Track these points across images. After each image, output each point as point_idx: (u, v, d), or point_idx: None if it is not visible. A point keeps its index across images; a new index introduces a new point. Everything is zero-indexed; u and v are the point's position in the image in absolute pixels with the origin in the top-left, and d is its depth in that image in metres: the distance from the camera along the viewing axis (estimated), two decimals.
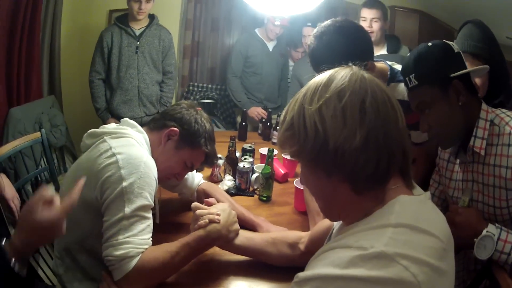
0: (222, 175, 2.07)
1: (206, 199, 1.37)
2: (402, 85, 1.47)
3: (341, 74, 0.79)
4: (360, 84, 0.77)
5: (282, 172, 2.15)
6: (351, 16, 3.62)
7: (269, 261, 1.35)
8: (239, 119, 3.65)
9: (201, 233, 1.23)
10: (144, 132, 1.39)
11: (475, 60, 1.56)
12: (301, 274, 0.73)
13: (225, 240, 1.29)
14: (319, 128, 0.75)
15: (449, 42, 1.33)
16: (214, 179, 2.03)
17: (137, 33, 3.02)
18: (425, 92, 1.28)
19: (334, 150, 0.73)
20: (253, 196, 1.96)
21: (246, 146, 2.17)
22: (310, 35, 3.31)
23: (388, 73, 1.57)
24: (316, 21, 3.32)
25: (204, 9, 4.14)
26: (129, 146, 1.26)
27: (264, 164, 1.99)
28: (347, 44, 1.36)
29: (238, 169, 1.94)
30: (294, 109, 0.81)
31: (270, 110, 3.20)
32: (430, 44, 1.31)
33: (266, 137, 2.96)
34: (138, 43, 3.00)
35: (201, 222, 1.24)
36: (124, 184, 1.15)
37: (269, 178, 1.88)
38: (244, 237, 1.36)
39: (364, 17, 2.83)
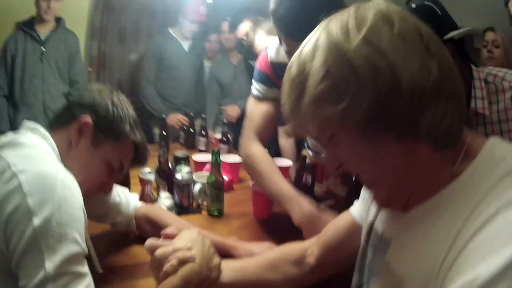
0: (155, 193, 1.64)
1: (165, 231, 0.93)
2: None
3: (364, 4, 0.60)
4: (399, 9, 0.59)
5: (226, 179, 1.78)
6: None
7: None
8: (156, 131, 3.30)
9: (173, 283, 0.81)
10: (49, 136, 0.95)
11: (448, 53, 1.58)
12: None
13: (209, 282, 0.90)
14: (379, 63, 0.53)
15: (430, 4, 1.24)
16: (147, 199, 1.59)
17: (43, 37, 2.73)
18: None
19: (411, 90, 0.53)
20: (200, 213, 1.58)
21: (179, 153, 1.77)
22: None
23: None
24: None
25: (111, 17, 3.86)
26: (35, 159, 0.84)
27: (207, 172, 1.65)
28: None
29: (175, 182, 1.54)
30: (316, 55, 0.58)
31: (192, 114, 2.85)
32: (414, 6, 1.21)
33: (190, 145, 2.63)
34: (43, 49, 2.70)
35: (168, 267, 0.82)
36: (36, 222, 0.74)
37: (218, 188, 1.51)
38: (232, 270, 0.97)
39: None
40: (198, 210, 1.58)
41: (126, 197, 1.28)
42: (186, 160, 1.77)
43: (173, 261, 0.82)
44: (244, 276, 0.98)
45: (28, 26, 2.78)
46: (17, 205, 0.75)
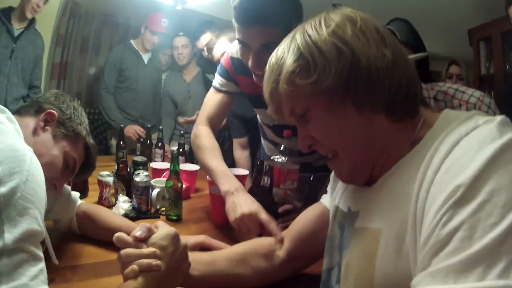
0: (113, 198, 1.62)
1: (133, 233, 0.84)
2: None
3: (334, 11, 0.73)
4: (363, 14, 0.72)
5: (184, 186, 1.79)
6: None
7: (243, 285, 1.02)
8: (113, 142, 3.26)
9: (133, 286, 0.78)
10: (16, 121, 0.95)
11: (406, 48, 1.68)
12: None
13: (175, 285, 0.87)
14: (342, 48, 0.66)
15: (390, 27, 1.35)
16: (105, 203, 1.58)
17: (16, 33, 2.60)
18: None
19: (367, 68, 0.66)
20: (158, 217, 1.57)
21: (138, 158, 1.77)
22: (182, 44, 3.22)
23: None
24: (187, 31, 3.13)
25: (76, 25, 3.77)
26: (7, 133, 0.84)
27: (162, 179, 1.66)
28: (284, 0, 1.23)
29: (134, 185, 1.54)
30: (291, 46, 0.72)
31: (149, 126, 2.83)
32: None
33: (147, 157, 2.49)
34: (14, 45, 2.56)
35: (128, 271, 0.78)
36: (2, 190, 0.70)
37: (176, 192, 1.52)
38: (202, 264, 0.97)
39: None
40: (156, 214, 1.57)
41: (67, 194, 1.28)
42: (144, 164, 1.76)
43: (134, 266, 0.78)
44: (214, 271, 0.98)
45: (6, 17, 2.63)
46: None
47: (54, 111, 1.07)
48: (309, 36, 0.69)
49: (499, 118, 0.60)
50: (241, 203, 1.25)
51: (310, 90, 0.68)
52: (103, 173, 1.58)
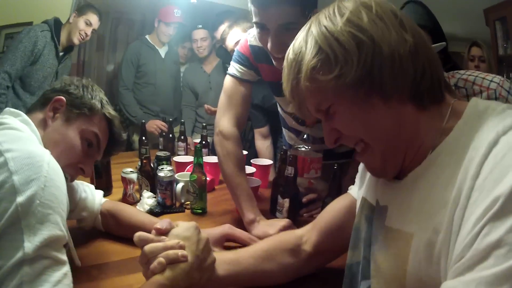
0: (138, 194, 1.62)
1: (156, 226, 0.86)
2: None
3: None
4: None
5: (208, 179, 1.78)
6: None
7: (269, 281, 1.00)
8: (135, 138, 3.26)
9: (160, 283, 0.77)
10: (31, 122, 0.94)
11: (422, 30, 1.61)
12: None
13: (200, 284, 0.85)
14: (361, 37, 0.63)
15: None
16: (130, 200, 1.58)
17: (60, 54, 2.74)
18: None
19: (391, 55, 0.62)
20: (183, 211, 1.57)
21: (161, 153, 1.76)
22: (201, 37, 3.20)
23: None
24: (206, 23, 3.11)
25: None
26: (22, 139, 0.83)
27: (186, 172, 1.65)
28: None
29: (158, 181, 1.53)
30: (309, 40, 0.68)
31: (171, 120, 2.83)
32: None
33: (169, 151, 2.52)
34: (58, 67, 2.77)
35: (155, 265, 0.78)
36: (19, 199, 0.70)
37: (200, 185, 1.51)
38: (227, 263, 0.95)
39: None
40: (181, 209, 1.57)
41: (92, 193, 1.28)
42: (168, 159, 1.75)
43: (161, 259, 0.78)
44: (239, 268, 0.96)
45: (57, 35, 2.67)
46: (2, 182, 0.72)
47: (61, 96, 1.04)
48: (326, 27, 0.66)
49: None
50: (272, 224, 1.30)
51: (335, 85, 0.65)
52: (127, 169, 1.58)
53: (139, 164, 1.65)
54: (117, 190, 1.67)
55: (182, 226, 0.87)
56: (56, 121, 1.01)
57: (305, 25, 0.72)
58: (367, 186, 0.85)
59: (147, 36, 3.36)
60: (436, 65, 0.67)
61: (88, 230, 1.29)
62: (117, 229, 1.27)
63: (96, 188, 1.30)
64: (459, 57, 3.20)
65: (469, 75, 1.27)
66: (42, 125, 0.99)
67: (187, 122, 3.25)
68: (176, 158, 2.01)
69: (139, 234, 0.83)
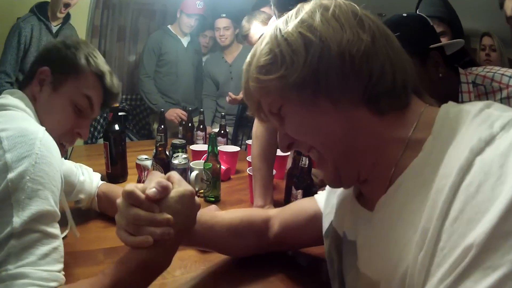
0: None
1: (150, 193, 0.71)
2: None
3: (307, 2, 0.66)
4: (341, 0, 0.64)
5: (224, 168, 1.78)
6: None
7: (229, 253, 1.05)
8: (155, 126, 3.30)
9: (143, 257, 0.71)
10: (25, 96, 0.96)
11: (440, 23, 1.67)
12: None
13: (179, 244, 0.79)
14: (309, 36, 0.60)
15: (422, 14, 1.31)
16: None
17: (54, 30, 2.68)
18: None
19: (340, 55, 0.58)
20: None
21: (176, 141, 1.76)
22: (224, 26, 3.20)
23: None
24: (229, 11, 3.10)
25: (111, 16, 3.85)
26: (16, 118, 0.85)
27: (201, 161, 1.63)
28: None
29: (173, 168, 1.52)
30: (263, 42, 0.66)
31: (190, 109, 2.84)
32: (405, 15, 1.24)
33: (188, 140, 2.55)
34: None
35: (142, 239, 0.70)
36: (10, 176, 0.71)
37: (214, 174, 1.50)
38: (203, 226, 0.90)
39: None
40: None
41: (89, 176, 1.31)
42: (183, 147, 1.75)
43: (150, 238, 0.69)
44: (211, 235, 0.94)
45: (43, 14, 2.68)
46: None
47: (43, 67, 1.01)
48: (279, 28, 0.64)
49: None
50: None
51: (278, 86, 0.63)
52: (141, 157, 1.58)
53: (154, 151, 1.65)
54: (133, 178, 1.68)
55: (177, 193, 0.74)
56: (44, 93, 1.00)
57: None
58: (336, 210, 0.80)
59: (169, 26, 3.39)
60: (402, 67, 0.62)
61: (97, 216, 1.31)
62: (111, 211, 1.26)
63: (112, 174, 1.30)
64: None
65: (488, 71, 1.23)
66: (33, 99, 0.98)
67: (207, 112, 3.26)
68: (193, 147, 2.00)
69: (131, 188, 0.71)
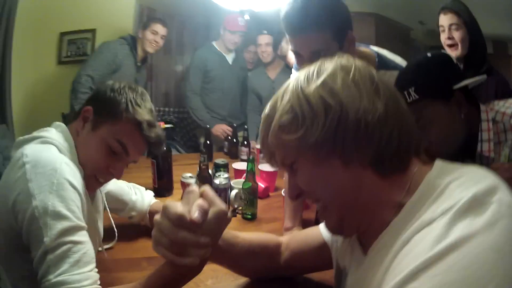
0: None
1: (194, 219, 0.68)
2: (395, 73, 1.31)
3: (330, 60, 0.72)
4: (359, 62, 0.70)
5: (263, 186, 1.88)
6: None
7: (241, 273, 1.12)
8: (202, 140, 3.37)
9: (181, 272, 0.77)
10: (67, 130, 1.11)
11: (455, 16, 1.86)
12: None
13: None
14: (329, 102, 0.64)
15: (445, 52, 1.36)
16: None
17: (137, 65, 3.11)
18: (426, 106, 1.16)
19: (356, 122, 0.63)
20: (235, 216, 1.68)
21: (219, 161, 1.89)
22: (266, 43, 3.27)
23: (376, 59, 1.42)
24: (272, 28, 3.16)
25: None
26: (43, 151, 0.99)
27: (242, 179, 1.72)
28: (324, 6, 1.23)
29: (214, 187, 1.64)
30: (284, 97, 0.70)
31: (235, 125, 2.95)
32: (429, 55, 1.24)
33: (233, 155, 2.71)
34: (136, 77, 3.15)
35: (191, 261, 0.70)
36: (34, 203, 0.89)
37: (252, 193, 1.61)
38: (226, 242, 0.99)
39: None
40: (233, 214, 1.68)
41: (141, 195, 1.47)
42: (225, 167, 1.87)
43: (198, 260, 0.71)
44: (232, 251, 1.01)
45: (134, 48, 3.02)
46: (21, 188, 0.91)
47: (88, 107, 1.10)
48: (301, 87, 0.68)
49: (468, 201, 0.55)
50: None
51: (298, 144, 0.67)
52: (186, 175, 1.72)
53: (198, 170, 1.78)
54: (179, 192, 1.81)
55: (214, 215, 0.73)
56: (85, 130, 1.10)
57: (287, 81, 0.74)
58: (342, 247, 0.88)
59: (214, 43, 3.45)
60: (408, 130, 0.68)
61: (144, 226, 1.46)
62: None
63: (158, 189, 1.44)
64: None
65: (507, 107, 1.20)
66: (76, 134, 1.11)
67: (252, 126, 3.30)
68: (235, 165, 2.09)
69: (180, 212, 0.69)
